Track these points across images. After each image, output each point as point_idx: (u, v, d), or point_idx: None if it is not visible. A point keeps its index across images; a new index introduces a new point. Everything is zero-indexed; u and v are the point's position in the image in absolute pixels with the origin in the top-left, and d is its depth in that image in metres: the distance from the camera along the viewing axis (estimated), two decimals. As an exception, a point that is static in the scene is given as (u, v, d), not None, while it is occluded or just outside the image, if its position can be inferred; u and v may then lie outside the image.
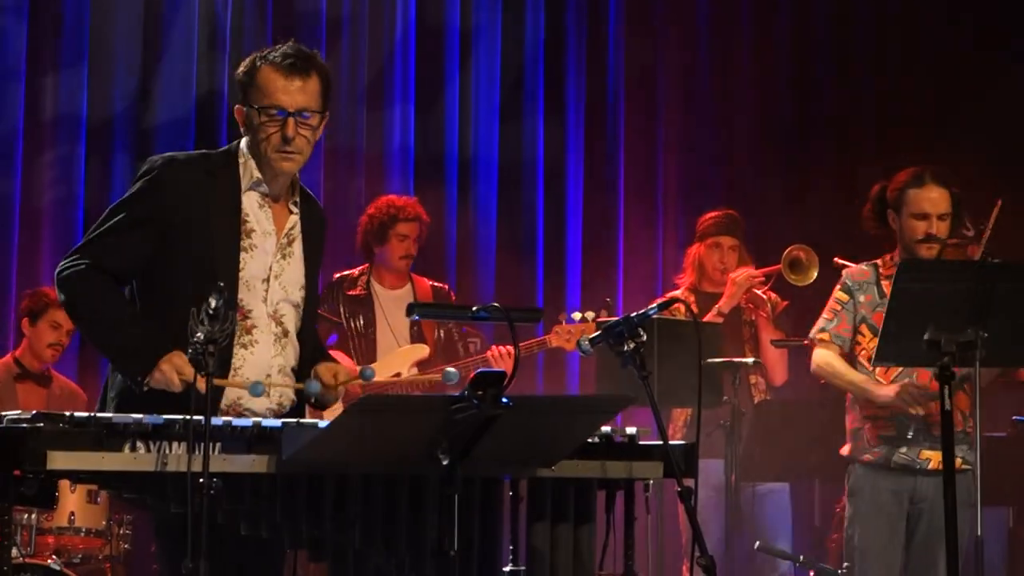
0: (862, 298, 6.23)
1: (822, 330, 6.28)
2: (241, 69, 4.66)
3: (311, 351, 4.76)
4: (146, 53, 8.75)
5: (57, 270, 4.56)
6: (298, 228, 4.69)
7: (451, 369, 4.65)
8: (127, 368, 4.44)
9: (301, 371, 4.69)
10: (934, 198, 6.10)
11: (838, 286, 6.35)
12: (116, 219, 4.56)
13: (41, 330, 7.72)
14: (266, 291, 4.58)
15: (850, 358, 6.24)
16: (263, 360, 4.56)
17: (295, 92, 4.57)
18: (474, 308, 4.35)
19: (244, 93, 4.63)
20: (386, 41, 9.39)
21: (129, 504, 5.58)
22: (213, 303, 3.95)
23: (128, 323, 4.47)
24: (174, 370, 4.32)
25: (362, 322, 7.71)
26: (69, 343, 7.83)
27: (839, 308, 6.27)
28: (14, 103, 8.42)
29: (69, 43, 8.56)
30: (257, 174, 4.60)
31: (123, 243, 4.51)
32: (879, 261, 6.31)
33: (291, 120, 4.54)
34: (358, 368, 4.79)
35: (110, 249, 4.52)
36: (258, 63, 4.62)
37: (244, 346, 4.54)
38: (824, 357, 6.25)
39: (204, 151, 4.81)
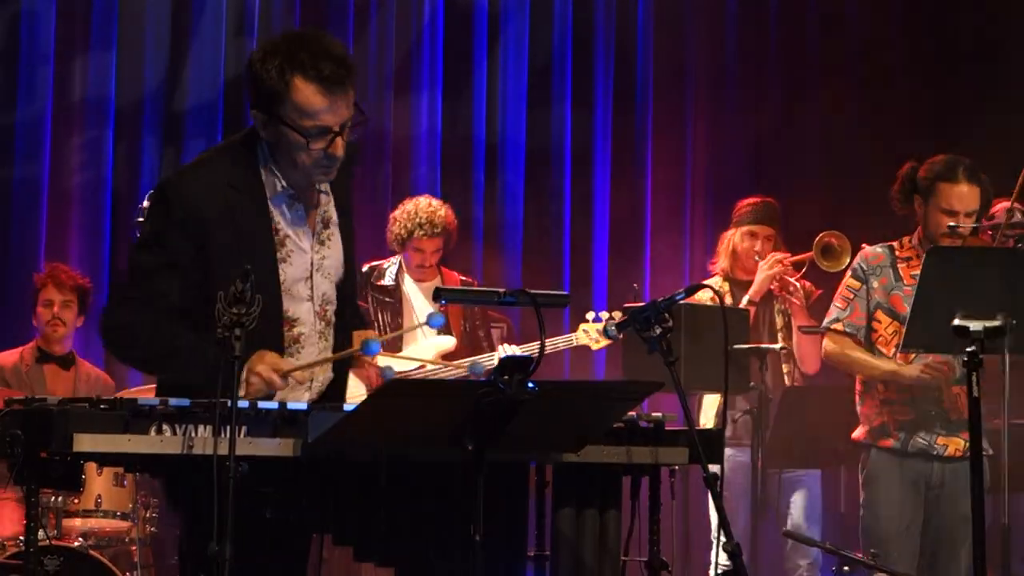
0: (876, 283, 6.21)
1: (836, 320, 6.26)
2: (266, 73, 4.20)
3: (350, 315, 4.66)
4: (175, 37, 8.76)
5: (100, 326, 4.40)
6: (331, 204, 4.50)
7: (479, 362, 4.53)
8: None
9: (343, 346, 4.55)
10: (965, 195, 6.06)
11: (849, 272, 6.33)
12: (154, 261, 4.28)
13: (39, 313, 7.77)
14: (310, 288, 4.43)
15: (867, 345, 6.22)
16: (309, 360, 4.44)
17: (341, 107, 4.23)
18: (501, 292, 4.35)
19: (269, 103, 4.23)
20: (414, 26, 9.38)
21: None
22: (238, 286, 3.94)
23: (196, 353, 4.19)
24: (270, 369, 4.16)
25: (389, 314, 7.72)
26: (75, 320, 7.80)
27: (851, 296, 6.24)
28: (43, 86, 8.43)
29: (98, 26, 8.57)
30: (282, 183, 4.34)
31: (171, 286, 4.25)
32: (895, 243, 6.28)
33: (339, 139, 4.27)
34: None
35: (162, 294, 4.25)
36: (288, 74, 4.18)
37: (291, 356, 4.39)
38: (838, 347, 6.24)
39: (219, 153, 4.53)
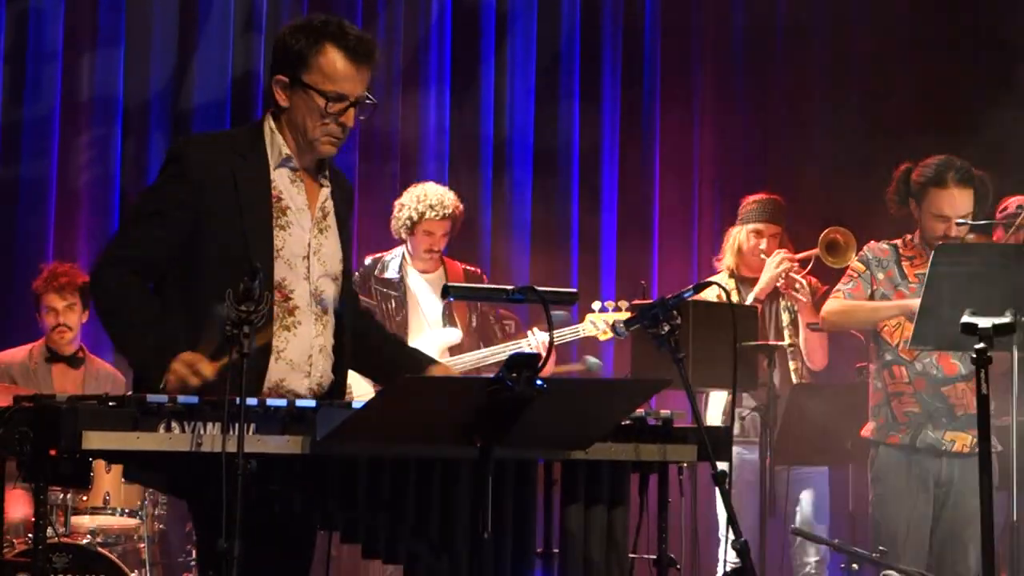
0: (881, 275, 6.23)
1: (836, 290, 6.32)
2: (296, 40, 4.45)
3: (365, 327, 4.76)
4: (183, 34, 8.77)
5: (91, 270, 4.51)
6: (330, 201, 4.60)
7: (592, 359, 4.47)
8: (146, 375, 4.29)
9: (342, 348, 4.60)
10: (955, 200, 6.07)
11: (856, 258, 6.37)
12: (143, 210, 4.47)
13: (43, 318, 7.76)
14: (307, 268, 4.48)
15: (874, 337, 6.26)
16: (306, 341, 4.47)
17: (360, 81, 4.44)
18: (509, 289, 4.35)
19: (295, 66, 4.44)
20: (422, 23, 9.39)
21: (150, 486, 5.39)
22: (247, 283, 3.94)
23: (145, 330, 4.31)
24: (185, 367, 4.16)
25: (393, 305, 7.71)
26: (80, 319, 7.79)
27: (855, 275, 6.31)
28: (50, 84, 8.44)
29: (106, 24, 8.58)
30: (286, 150, 4.49)
31: (150, 236, 4.40)
32: (898, 241, 6.29)
33: (353, 110, 4.44)
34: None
35: (137, 243, 4.40)
36: (322, 40, 4.42)
37: (287, 328, 4.44)
38: (836, 303, 6.27)
39: (228, 130, 4.68)
